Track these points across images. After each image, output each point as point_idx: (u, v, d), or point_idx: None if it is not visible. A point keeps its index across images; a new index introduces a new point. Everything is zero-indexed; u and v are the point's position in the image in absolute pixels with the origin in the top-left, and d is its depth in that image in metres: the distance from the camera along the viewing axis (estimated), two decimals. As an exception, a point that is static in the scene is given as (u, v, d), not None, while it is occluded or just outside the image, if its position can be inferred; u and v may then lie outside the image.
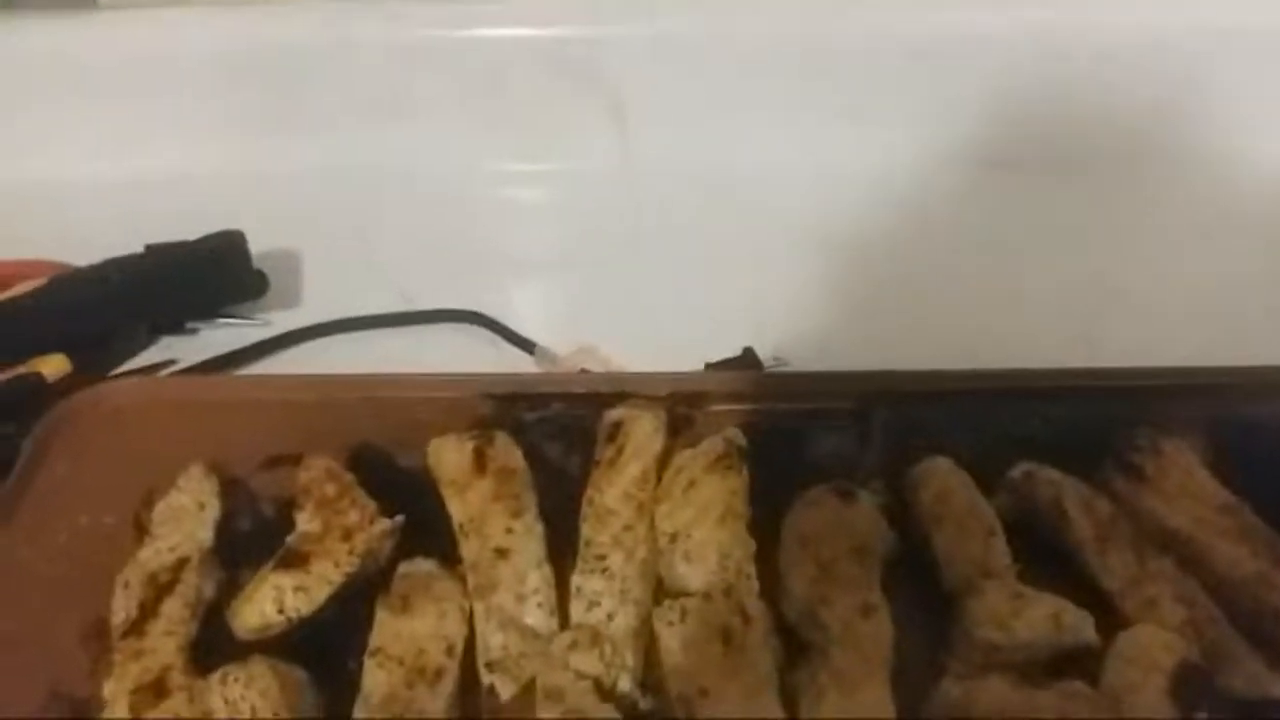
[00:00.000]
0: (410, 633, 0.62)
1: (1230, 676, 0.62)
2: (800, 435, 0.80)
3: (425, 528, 0.71)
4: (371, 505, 0.69)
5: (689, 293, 1.02)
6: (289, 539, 0.67)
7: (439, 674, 0.61)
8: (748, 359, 0.93)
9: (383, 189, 1.12)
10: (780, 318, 0.97)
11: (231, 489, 0.73)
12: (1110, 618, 0.66)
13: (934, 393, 0.82)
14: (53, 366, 0.91)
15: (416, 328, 1.00)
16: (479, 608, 0.65)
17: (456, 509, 0.70)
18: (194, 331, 0.99)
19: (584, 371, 0.90)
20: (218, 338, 0.98)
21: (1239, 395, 0.80)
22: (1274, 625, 0.64)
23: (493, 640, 0.64)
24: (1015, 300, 0.98)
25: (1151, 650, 0.62)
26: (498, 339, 0.99)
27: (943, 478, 0.72)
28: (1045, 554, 0.70)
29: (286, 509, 0.72)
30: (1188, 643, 0.62)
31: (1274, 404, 0.79)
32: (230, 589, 0.68)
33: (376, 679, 0.60)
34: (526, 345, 0.98)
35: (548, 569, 0.68)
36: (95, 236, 1.00)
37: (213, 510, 0.70)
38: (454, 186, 1.13)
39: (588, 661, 0.62)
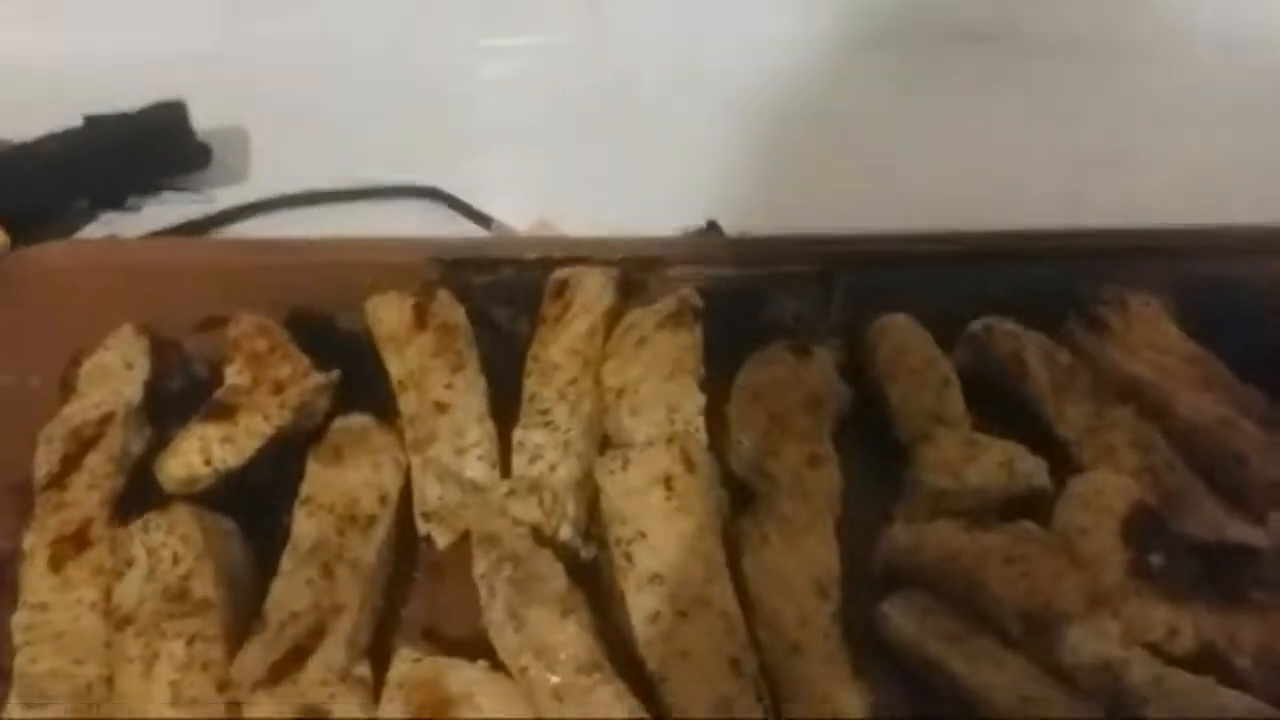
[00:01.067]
0: (342, 482, 0.61)
1: (1187, 520, 0.61)
2: (759, 298, 0.78)
3: (364, 388, 0.70)
4: (304, 360, 0.67)
5: (656, 167, 0.98)
6: (217, 392, 0.65)
7: (371, 521, 0.59)
8: (712, 232, 0.90)
9: (339, 63, 1.08)
10: (749, 191, 0.95)
11: (164, 351, 0.71)
12: (1066, 468, 0.64)
13: (899, 255, 0.80)
14: (-8, 239, 0.88)
15: (371, 204, 0.97)
16: (416, 460, 0.64)
17: (395, 365, 0.68)
18: (136, 208, 0.96)
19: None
20: (161, 214, 0.95)
21: (1209, 255, 0.79)
22: (1234, 470, 0.63)
23: (430, 492, 0.63)
24: (990, 168, 0.95)
25: (1105, 493, 0.60)
26: (456, 216, 0.96)
27: (900, 332, 0.70)
28: (1004, 409, 0.69)
29: (220, 371, 0.69)
30: (1143, 487, 0.61)
31: (1243, 263, 0.77)
32: (161, 448, 0.66)
33: (305, 527, 0.59)
34: (483, 220, 0.95)
35: (489, 424, 0.66)
36: (34, 112, 0.96)
37: (141, 369, 0.68)
38: (416, 60, 1.09)
39: (525, 509, 0.61)
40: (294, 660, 0.52)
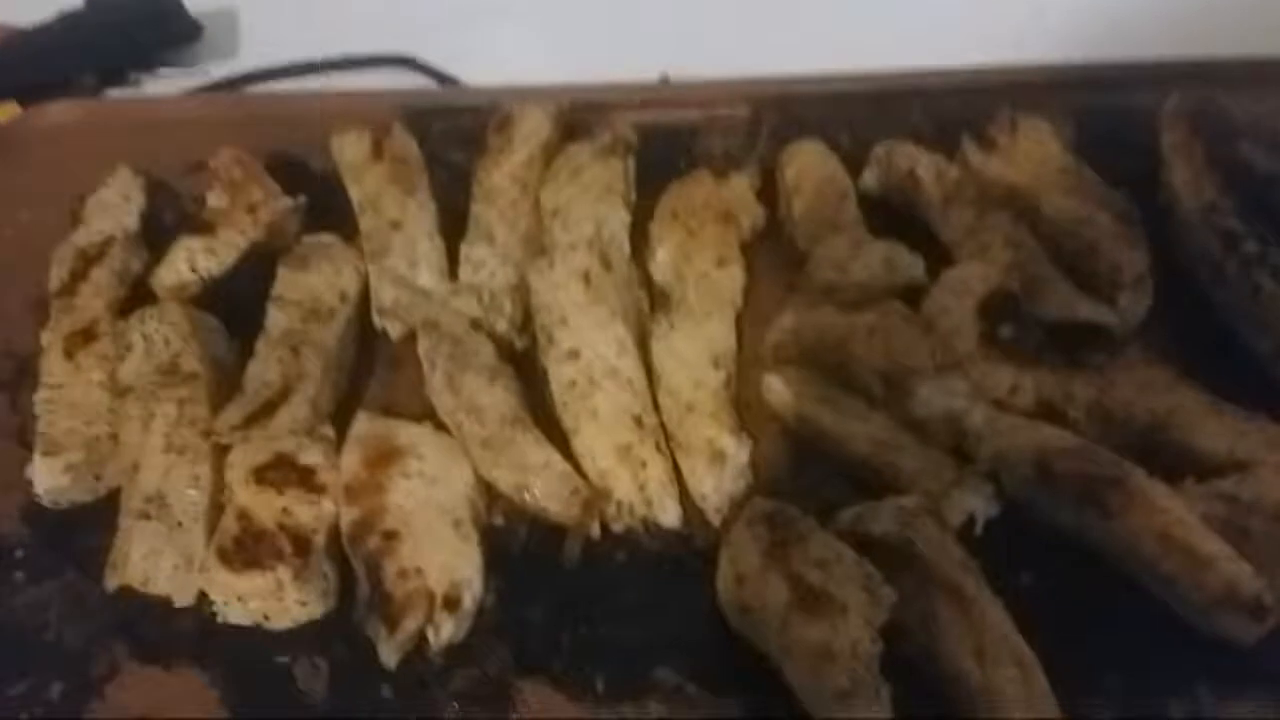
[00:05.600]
0: (307, 283, 0.73)
1: (1045, 303, 0.72)
2: (692, 135, 0.89)
3: (331, 218, 0.82)
4: (276, 186, 0.79)
5: (615, 25, 1.09)
6: (201, 213, 0.78)
7: (331, 313, 0.72)
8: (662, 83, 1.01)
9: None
10: (699, 42, 1.04)
11: (157, 191, 0.84)
12: (948, 268, 0.75)
13: (822, 94, 0.90)
14: (6, 113, 1.01)
15: (350, 73, 1.09)
16: (373, 269, 0.76)
17: (355, 191, 0.80)
18: (137, 83, 1.09)
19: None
20: (158, 88, 1.07)
21: (1107, 86, 0.88)
22: (1091, 260, 0.73)
23: (384, 293, 0.75)
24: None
25: (968, 279, 0.71)
26: (431, 82, 1.07)
27: (806, 155, 0.81)
28: (904, 222, 0.80)
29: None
30: (1008, 276, 0.72)
31: (1138, 94, 0.86)
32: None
33: (276, 319, 0.72)
34: (452, 84, 1.06)
35: (439, 240, 0.78)
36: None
37: (137, 202, 0.81)
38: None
39: (466, 304, 0.73)
40: (266, 414, 0.66)
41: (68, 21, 1.08)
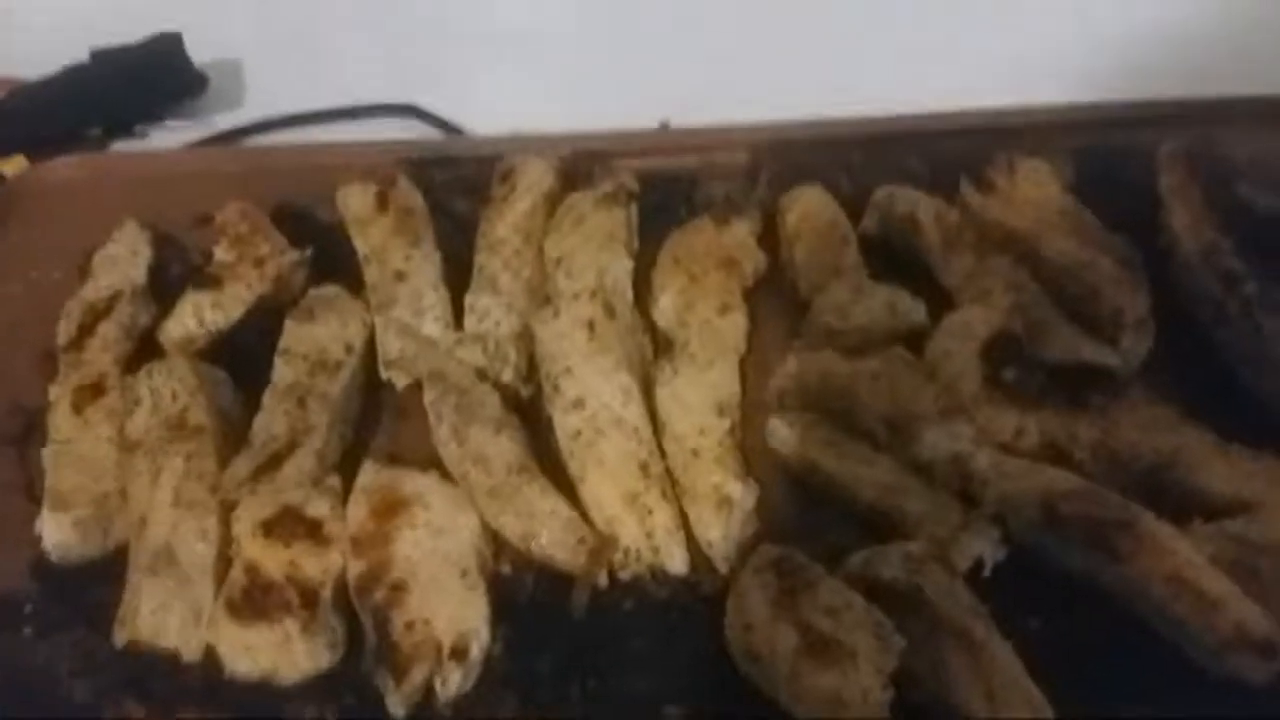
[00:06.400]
0: (313, 336, 0.74)
1: (1048, 345, 0.72)
2: (692, 182, 0.90)
3: (338, 269, 0.83)
4: (282, 239, 0.80)
5: (615, 72, 1.10)
6: (207, 267, 0.79)
7: (338, 366, 0.73)
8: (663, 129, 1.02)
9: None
10: (699, 89, 1.05)
11: (164, 244, 0.85)
12: (950, 312, 0.76)
13: (821, 139, 0.91)
14: (13, 166, 1.02)
15: (355, 122, 1.10)
16: (379, 320, 0.77)
17: (360, 243, 0.81)
18: (143, 135, 1.10)
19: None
20: (164, 140, 1.09)
21: (1104, 127, 0.89)
22: (1093, 304, 0.74)
23: (390, 345, 0.76)
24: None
25: (971, 324, 0.72)
26: (434, 130, 1.08)
27: (807, 200, 0.82)
28: (905, 266, 0.80)
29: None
30: (1010, 320, 0.72)
31: (1136, 134, 0.87)
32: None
33: (283, 373, 0.72)
34: (455, 132, 1.07)
35: (444, 290, 0.79)
36: (43, 51, 1.10)
37: (144, 256, 0.81)
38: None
39: (471, 354, 0.74)
40: (273, 467, 0.66)
41: (73, 74, 1.09)
